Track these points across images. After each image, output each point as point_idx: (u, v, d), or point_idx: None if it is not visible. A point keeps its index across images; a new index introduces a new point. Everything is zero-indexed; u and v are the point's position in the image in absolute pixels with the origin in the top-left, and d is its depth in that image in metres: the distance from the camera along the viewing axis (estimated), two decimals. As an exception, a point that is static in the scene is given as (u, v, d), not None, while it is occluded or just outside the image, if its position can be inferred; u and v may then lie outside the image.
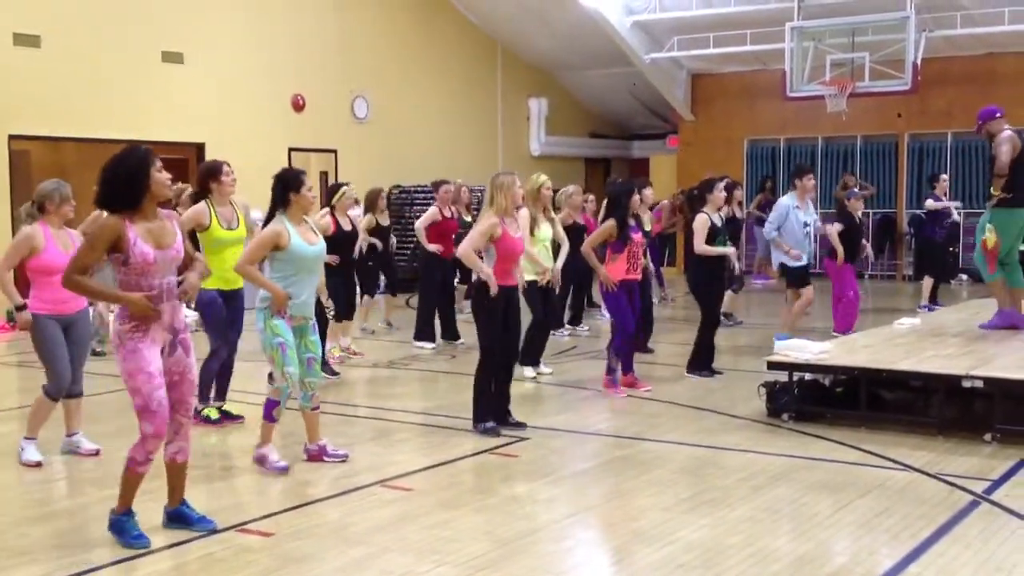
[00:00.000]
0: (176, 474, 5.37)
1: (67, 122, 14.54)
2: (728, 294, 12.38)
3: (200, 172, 7.90)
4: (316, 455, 6.73)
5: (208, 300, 7.57)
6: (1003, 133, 8.86)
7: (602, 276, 8.89)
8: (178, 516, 5.39)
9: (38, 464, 6.67)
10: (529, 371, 9.63)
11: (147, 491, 5.35)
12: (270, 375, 7.27)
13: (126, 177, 4.99)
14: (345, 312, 10.88)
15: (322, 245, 6.63)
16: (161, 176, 5.03)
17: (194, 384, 5.36)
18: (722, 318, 12.12)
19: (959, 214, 15.08)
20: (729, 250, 9.57)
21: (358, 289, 11.51)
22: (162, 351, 5.15)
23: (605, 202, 9.21)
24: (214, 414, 7.81)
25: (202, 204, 7.63)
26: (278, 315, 6.37)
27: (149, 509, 5.41)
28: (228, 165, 7.79)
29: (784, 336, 9.86)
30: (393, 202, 17.22)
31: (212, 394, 7.89)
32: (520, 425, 7.68)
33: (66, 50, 14.69)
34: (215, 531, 5.31)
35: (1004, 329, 9.00)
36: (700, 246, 9.45)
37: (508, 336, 7.65)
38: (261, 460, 6.53)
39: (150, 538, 5.15)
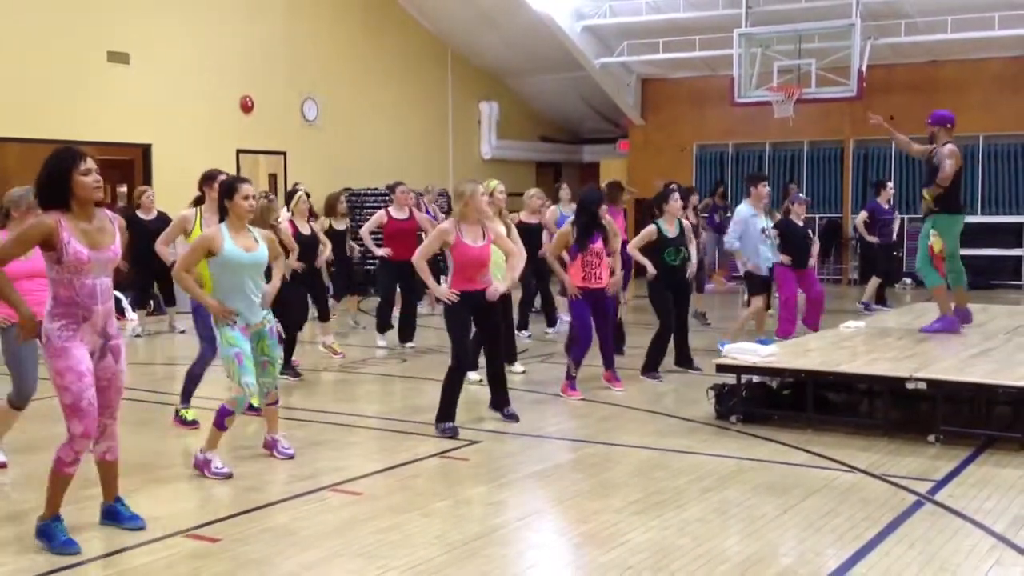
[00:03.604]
0: (107, 471, 5.39)
1: (10, 123, 14.29)
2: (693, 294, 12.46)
3: (202, 178, 7.70)
4: (269, 444, 6.90)
5: (199, 304, 7.43)
6: (949, 146, 8.98)
7: (566, 283, 8.93)
8: (110, 512, 5.40)
9: (2, 465, 6.64)
10: (474, 375, 9.64)
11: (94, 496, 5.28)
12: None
13: (47, 179, 4.99)
14: (321, 314, 11.01)
15: (262, 253, 6.54)
16: (86, 179, 4.96)
17: (121, 390, 5.32)
18: (696, 318, 12.30)
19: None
20: (652, 272, 9.62)
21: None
22: (91, 354, 5.10)
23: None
24: (190, 415, 7.79)
25: (191, 210, 7.58)
26: (227, 326, 6.37)
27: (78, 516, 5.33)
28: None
29: (726, 343, 10.02)
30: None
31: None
32: (513, 417, 7.91)
33: (9, 49, 14.44)
34: (143, 530, 5.32)
35: (943, 333, 9.15)
36: (633, 247, 9.72)
37: (486, 335, 7.81)
38: (204, 465, 6.46)
39: (80, 545, 5.07)
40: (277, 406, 6.91)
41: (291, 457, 6.81)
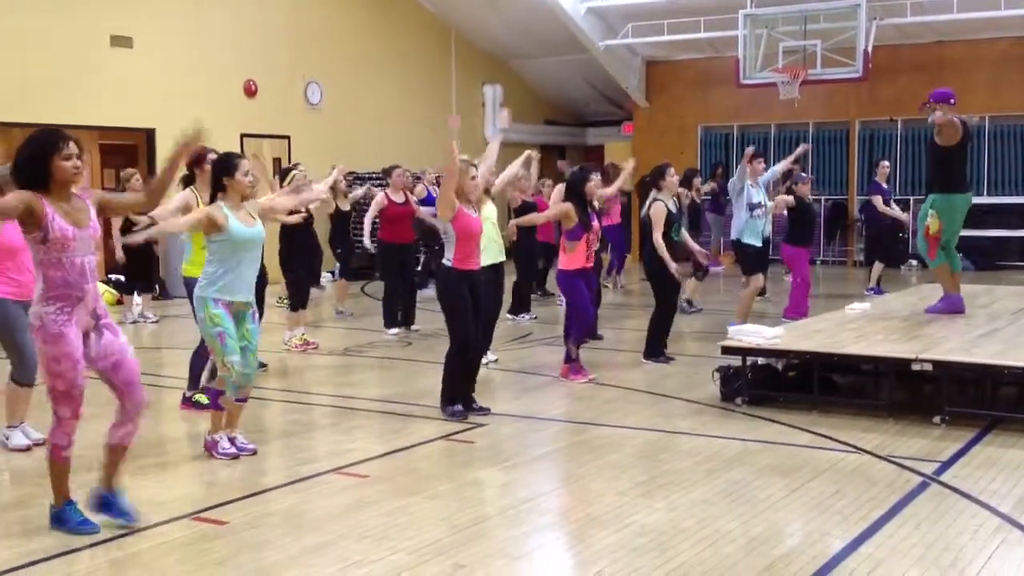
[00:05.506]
0: (119, 457, 5.25)
1: (14, 107, 14.26)
2: (691, 281, 12.45)
3: (191, 159, 7.70)
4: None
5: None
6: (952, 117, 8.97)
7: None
8: (108, 503, 5.22)
9: (28, 449, 6.63)
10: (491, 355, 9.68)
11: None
12: (212, 370, 7.22)
13: (27, 161, 4.88)
14: (301, 301, 10.83)
15: (261, 227, 6.49)
16: (67, 164, 4.84)
17: (136, 361, 5.20)
18: (685, 305, 12.22)
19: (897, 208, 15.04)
20: (672, 265, 9.35)
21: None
22: (87, 337, 5.02)
23: (563, 188, 9.25)
24: (204, 399, 7.75)
25: (189, 192, 7.49)
26: (210, 302, 6.26)
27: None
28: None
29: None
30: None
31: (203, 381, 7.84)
32: (484, 410, 7.69)
33: (12, 33, 14.42)
34: (135, 523, 5.17)
35: (948, 314, 9.14)
36: (658, 239, 9.37)
37: (475, 322, 7.68)
38: (211, 447, 6.48)
39: (98, 524, 5.10)
40: (245, 403, 6.62)
41: (254, 452, 6.59)
